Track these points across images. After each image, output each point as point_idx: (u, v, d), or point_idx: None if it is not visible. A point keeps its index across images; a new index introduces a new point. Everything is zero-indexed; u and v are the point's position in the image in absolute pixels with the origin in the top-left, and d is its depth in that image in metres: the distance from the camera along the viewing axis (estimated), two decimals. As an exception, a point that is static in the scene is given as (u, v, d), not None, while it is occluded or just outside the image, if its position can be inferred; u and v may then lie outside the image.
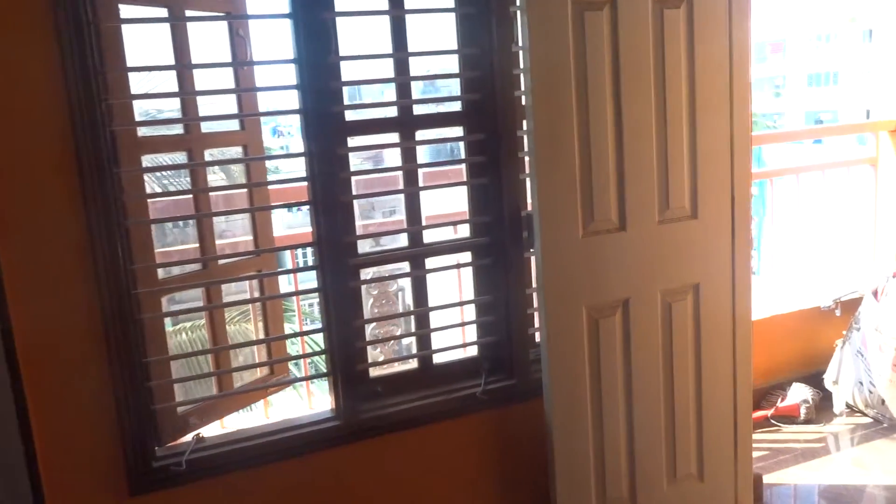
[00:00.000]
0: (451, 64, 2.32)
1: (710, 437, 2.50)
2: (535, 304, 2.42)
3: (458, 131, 2.31)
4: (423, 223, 2.30)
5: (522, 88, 2.24)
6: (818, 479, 2.99)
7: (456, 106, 2.30)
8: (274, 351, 2.47)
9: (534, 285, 2.39)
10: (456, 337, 2.66)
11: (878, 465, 3.06)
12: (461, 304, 2.59)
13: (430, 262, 2.34)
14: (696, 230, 2.41)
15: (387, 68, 2.25)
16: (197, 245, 2.25)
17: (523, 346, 2.47)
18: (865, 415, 3.44)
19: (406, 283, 2.67)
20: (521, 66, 2.22)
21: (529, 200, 2.23)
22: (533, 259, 2.32)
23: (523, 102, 2.25)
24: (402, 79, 2.24)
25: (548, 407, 2.26)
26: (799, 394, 3.50)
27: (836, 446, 3.26)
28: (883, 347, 3.24)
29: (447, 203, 2.80)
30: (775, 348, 3.56)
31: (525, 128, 2.16)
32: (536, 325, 2.47)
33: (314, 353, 4.50)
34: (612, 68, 2.19)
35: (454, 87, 2.33)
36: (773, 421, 3.42)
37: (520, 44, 2.19)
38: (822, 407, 3.49)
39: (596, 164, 2.21)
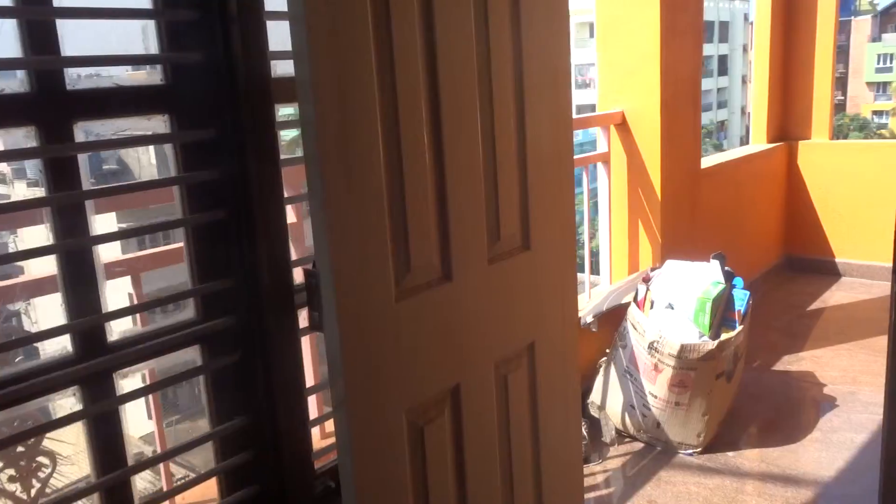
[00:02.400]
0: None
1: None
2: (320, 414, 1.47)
3: (158, 124, 1.24)
4: (106, 305, 1.18)
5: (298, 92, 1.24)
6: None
7: (154, 76, 1.22)
8: None
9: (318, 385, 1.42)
10: None
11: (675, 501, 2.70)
12: (172, 452, 1.47)
13: (125, 382, 1.22)
14: (529, 265, 1.70)
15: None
16: None
17: (305, 486, 1.49)
18: (637, 439, 3.10)
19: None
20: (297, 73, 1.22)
21: (312, 248, 1.27)
22: (321, 342, 1.37)
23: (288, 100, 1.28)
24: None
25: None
26: (571, 428, 3.03)
27: (624, 487, 2.84)
28: (659, 366, 2.91)
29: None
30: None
31: (303, 148, 1.19)
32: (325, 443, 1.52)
33: None
34: (427, 67, 1.36)
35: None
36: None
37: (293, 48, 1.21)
38: (592, 436, 3.07)
39: (411, 190, 1.35)
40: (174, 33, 1.18)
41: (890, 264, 5.03)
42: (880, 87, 47.26)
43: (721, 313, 3.04)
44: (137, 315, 1.39)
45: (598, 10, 3.58)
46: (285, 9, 1.28)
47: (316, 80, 1.15)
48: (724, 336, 2.95)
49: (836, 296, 4.87)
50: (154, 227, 1.20)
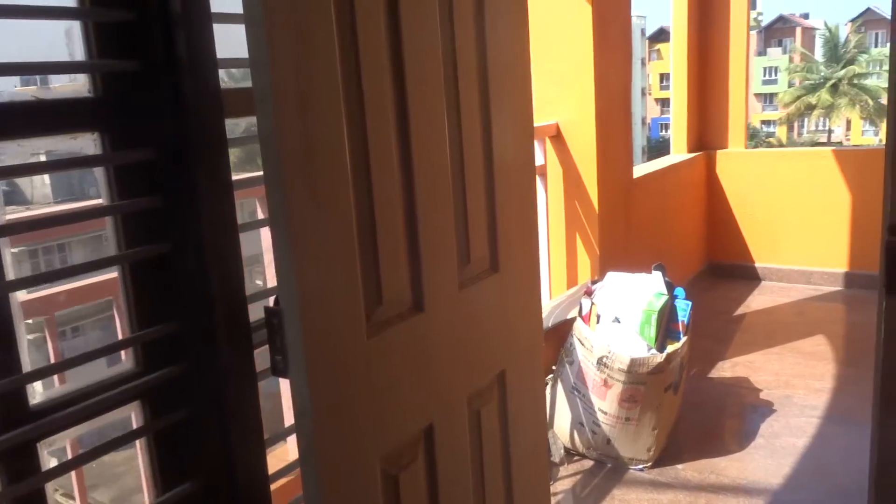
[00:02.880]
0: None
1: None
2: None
3: (84, 143, 1.05)
4: (25, 361, 0.97)
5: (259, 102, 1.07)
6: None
7: (79, 88, 1.03)
8: None
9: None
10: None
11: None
12: None
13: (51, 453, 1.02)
14: (499, 287, 1.58)
15: None
16: None
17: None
18: (587, 457, 3.03)
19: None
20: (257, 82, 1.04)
21: (274, 282, 1.10)
22: (285, 389, 1.20)
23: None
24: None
25: None
26: (521, 449, 2.93)
27: (578, 508, 2.76)
28: (609, 381, 2.85)
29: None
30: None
31: (263, 167, 1.03)
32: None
33: None
34: (395, 76, 1.22)
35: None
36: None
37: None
38: (542, 457, 2.98)
39: (381, 212, 1.22)
40: (105, 37, 1.00)
41: (808, 268, 5.19)
42: (767, 98, 50.06)
43: (665, 325, 3.01)
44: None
45: (532, 22, 3.52)
46: (234, 10, 1.13)
47: (277, 90, 1.00)
48: (670, 348, 2.92)
49: (758, 300, 4.98)
50: (84, 267, 1.01)
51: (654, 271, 3.16)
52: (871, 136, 45.13)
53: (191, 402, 1.10)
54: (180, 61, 1.00)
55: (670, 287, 3.11)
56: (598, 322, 3.01)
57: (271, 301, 1.16)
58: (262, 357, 1.19)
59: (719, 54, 5.26)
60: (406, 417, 1.32)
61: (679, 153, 5.28)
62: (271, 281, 1.70)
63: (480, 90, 1.47)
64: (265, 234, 1.69)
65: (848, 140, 44.91)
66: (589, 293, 3.17)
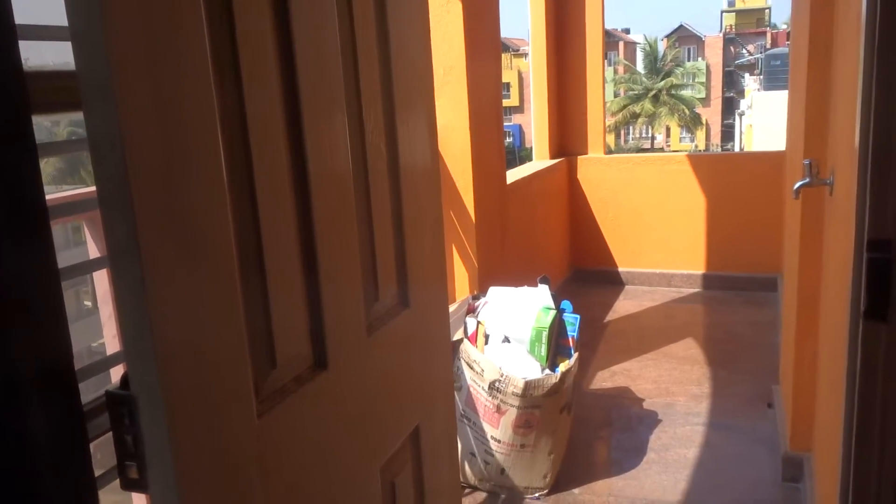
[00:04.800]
0: None
1: None
2: None
3: None
4: None
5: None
6: None
7: None
8: None
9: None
10: None
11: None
12: None
13: None
14: (410, 326, 1.29)
15: None
16: None
17: None
18: (479, 489, 2.79)
19: None
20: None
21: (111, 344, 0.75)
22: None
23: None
24: None
25: None
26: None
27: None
28: (502, 407, 2.62)
29: None
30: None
31: (98, 189, 0.68)
32: None
33: None
34: (282, 72, 0.90)
35: None
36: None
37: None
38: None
39: (269, 244, 0.89)
40: None
41: (669, 270, 5.27)
42: (599, 107, 52.99)
43: (555, 341, 2.84)
44: None
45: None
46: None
47: (120, 74, 0.66)
48: (562, 366, 2.75)
49: (624, 305, 5.00)
50: None
51: (539, 284, 2.98)
52: (688, 143, 48.88)
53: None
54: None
55: (557, 300, 2.94)
56: (486, 343, 2.78)
57: (118, 384, 0.80)
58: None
59: (576, 64, 5.25)
60: (310, 513, 0.99)
61: (542, 160, 5.21)
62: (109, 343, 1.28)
63: (385, 104, 1.18)
64: (99, 276, 1.27)
65: (668, 146, 48.30)
66: (472, 311, 2.94)
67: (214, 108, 0.78)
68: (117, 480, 0.79)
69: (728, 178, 4.99)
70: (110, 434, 0.79)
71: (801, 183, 2.25)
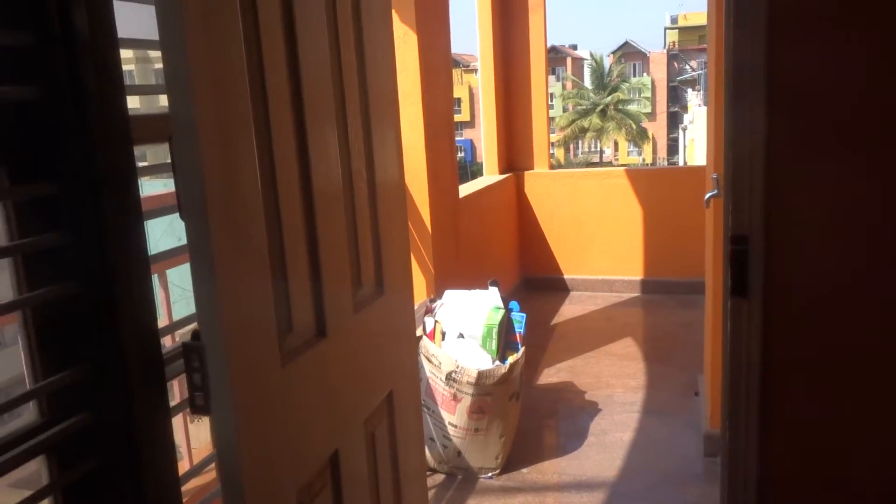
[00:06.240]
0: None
1: None
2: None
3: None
4: None
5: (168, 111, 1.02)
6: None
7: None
8: None
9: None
10: None
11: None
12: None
13: None
14: (385, 309, 1.62)
15: None
16: None
17: None
18: (438, 472, 3.11)
19: None
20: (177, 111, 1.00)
21: (194, 316, 1.05)
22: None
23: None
24: None
25: None
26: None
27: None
28: (458, 395, 2.95)
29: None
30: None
31: (182, 199, 0.99)
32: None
33: None
34: (294, 108, 1.23)
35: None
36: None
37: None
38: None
39: (289, 243, 1.21)
40: (1, 62, 0.91)
41: (610, 277, 5.67)
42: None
43: (505, 337, 3.18)
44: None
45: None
46: (141, 36, 1.09)
47: (199, 120, 0.97)
48: (511, 358, 3.09)
49: (570, 309, 5.39)
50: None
51: (490, 287, 3.33)
52: (636, 157, 50.16)
53: (101, 451, 1.02)
54: (87, 89, 0.94)
55: (506, 301, 3.29)
56: (443, 339, 3.11)
57: (177, 336, 1.11)
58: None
59: (522, 83, 5.65)
60: (316, 446, 1.31)
61: (492, 174, 5.58)
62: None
63: (364, 124, 1.50)
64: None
65: (616, 160, 49.49)
66: (430, 311, 3.27)
67: (254, 146, 1.10)
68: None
69: (662, 190, 5.44)
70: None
71: (710, 194, 2.65)
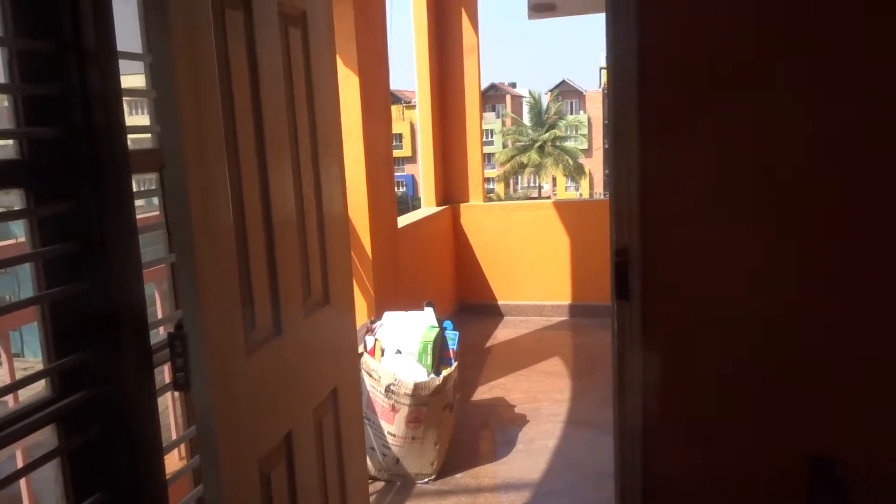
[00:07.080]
0: None
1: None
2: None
3: (11, 198, 1.20)
4: None
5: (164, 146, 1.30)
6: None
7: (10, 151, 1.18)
8: None
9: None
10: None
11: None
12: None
13: None
14: (330, 317, 1.90)
15: None
16: None
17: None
18: (378, 479, 3.36)
19: None
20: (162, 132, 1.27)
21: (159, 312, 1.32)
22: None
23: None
24: None
25: None
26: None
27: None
28: (396, 406, 3.22)
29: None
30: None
31: (167, 215, 1.26)
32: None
33: None
34: (257, 142, 1.52)
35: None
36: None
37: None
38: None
39: (253, 253, 1.50)
40: (32, 109, 1.18)
41: (541, 302, 6.02)
42: (486, 158, 55.37)
43: (439, 353, 3.47)
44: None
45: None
46: (134, 86, 1.36)
47: (185, 151, 1.25)
48: (445, 372, 3.38)
49: (503, 332, 5.72)
50: (10, 307, 1.15)
51: (425, 308, 3.62)
52: (573, 192, 51.49)
53: (100, 421, 1.27)
54: (97, 130, 1.21)
55: (440, 321, 3.59)
56: (382, 355, 3.38)
57: (162, 329, 1.37)
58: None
59: (458, 120, 6.03)
60: (274, 426, 1.57)
61: (429, 206, 5.91)
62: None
63: (313, 157, 1.80)
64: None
65: (554, 195, 50.73)
66: (371, 331, 3.54)
67: (227, 176, 1.38)
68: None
69: (587, 221, 5.85)
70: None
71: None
